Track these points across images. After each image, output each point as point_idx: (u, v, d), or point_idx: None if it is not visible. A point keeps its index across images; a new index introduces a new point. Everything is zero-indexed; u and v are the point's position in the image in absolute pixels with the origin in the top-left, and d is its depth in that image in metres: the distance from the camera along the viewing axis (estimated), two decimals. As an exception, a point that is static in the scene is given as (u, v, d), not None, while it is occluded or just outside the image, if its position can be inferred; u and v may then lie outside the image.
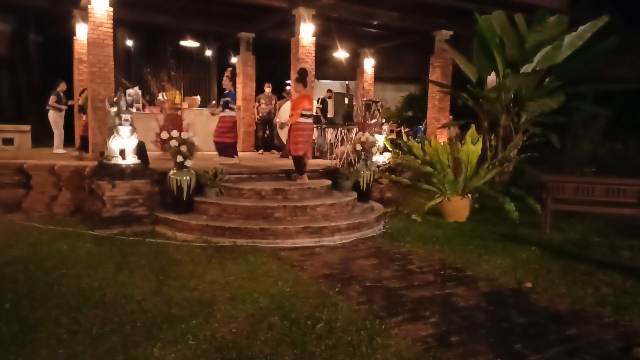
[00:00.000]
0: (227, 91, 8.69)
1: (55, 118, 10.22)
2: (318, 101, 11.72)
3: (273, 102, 11.97)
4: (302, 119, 7.03)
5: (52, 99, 10.12)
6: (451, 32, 11.92)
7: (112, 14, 8.27)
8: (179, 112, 9.44)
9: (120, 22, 10.30)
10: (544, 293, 4.47)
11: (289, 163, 9.07)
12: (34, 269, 4.67)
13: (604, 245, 6.31)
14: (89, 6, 8.18)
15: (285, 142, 11.15)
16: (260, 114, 12.18)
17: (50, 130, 10.34)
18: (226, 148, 8.58)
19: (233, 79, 9.54)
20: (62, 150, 10.11)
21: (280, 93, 12.47)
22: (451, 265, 5.27)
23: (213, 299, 4.05)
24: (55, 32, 12.91)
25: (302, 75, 7.25)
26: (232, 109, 8.54)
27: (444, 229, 6.98)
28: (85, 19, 9.17)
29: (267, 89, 12.11)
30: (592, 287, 4.61)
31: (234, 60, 13.87)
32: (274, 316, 3.72)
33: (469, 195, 7.85)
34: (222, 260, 5.13)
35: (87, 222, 6.66)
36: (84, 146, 9.46)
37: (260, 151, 12.25)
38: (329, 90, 12.20)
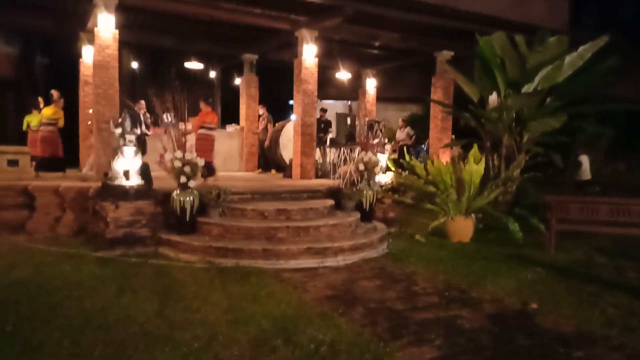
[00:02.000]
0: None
1: None
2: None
3: (264, 122, 12.02)
4: (203, 131, 8.55)
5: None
6: (452, 53, 12.04)
7: (117, 36, 8.40)
8: (53, 130, 9.28)
9: (125, 44, 10.45)
10: (550, 314, 4.42)
11: (292, 183, 9.11)
12: (37, 291, 4.65)
13: (610, 265, 6.26)
14: (95, 29, 8.31)
15: (288, 163, 11.22)
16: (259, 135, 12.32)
17: None
18: None
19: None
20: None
21: (282, 114, 12.53)
22: (455, 287, 5.23)
23: (215, 321, 4.02)
24: (62, 55, 13.09)
25: (206, 97, 9.19)
26: None
27: (448, 250, 6.94)
28: (91, 41, 9.32)
29: (261, 110, 12.23)
30: (599, 309, 4.56)
31: (237, 81, 14.02)
32: (277, 339, 3.68)
33: (473, 215, 7.83)
34: (224, 281, 5.11)
35: (90, 244, 6.65)
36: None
37: (259, 170, 12.30)
38: (323, 110, 12.21)
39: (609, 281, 5.52)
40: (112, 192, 6.56)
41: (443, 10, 9.94)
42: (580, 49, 8.80)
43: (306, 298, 4.71)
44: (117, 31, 8.39)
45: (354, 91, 15.40)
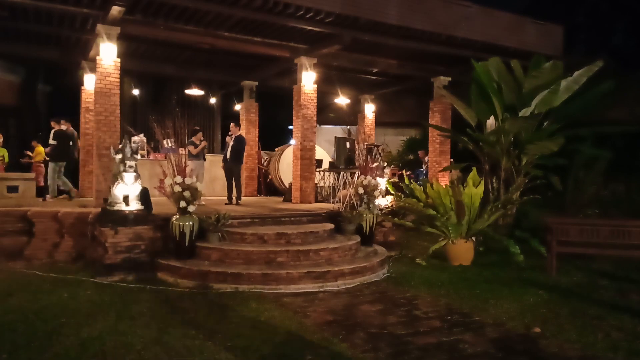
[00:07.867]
0: None
1: None
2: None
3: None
4: None
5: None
6: (449, 78, 12.19)
7: (119, 64, 8.52)
8: None
9: (127, 72, 10.60)
10: (554, 338, 4.36)
11: (292, 207, 9.10)
12: (33, 318, 4.60)
13: (612, 288, 6.20)
14: (98, 57, 8.44)
15: (288, 186, 11.22)
16: None
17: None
18: None
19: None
20: None
21: (281, 139, 12.54)
22: (457, 310, 5.17)
23: (214, 347, 3.97)
24: (64, 83, 13.27)
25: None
26: None
27: (449, 273, 6.89)
28: (93, 69, 9.45)
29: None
30: (603, 332, 4.51)
31: (237, 107, 14.16)
32: (276, 365, 3.63)
33: (473, 238, 7.80)
34: (223, 307, 5.05)
35: (88, 269, 6.61)
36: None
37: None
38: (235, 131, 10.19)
39: (612, 304, 5.46)
40: (111, 217, 6.55)
41: (439, 38, 10.13)
42: (576, 73, 8.92)
43: (306, 323, 4.65)
44: (118, 60, 8.52)
45: (353, 116, 15.54)
